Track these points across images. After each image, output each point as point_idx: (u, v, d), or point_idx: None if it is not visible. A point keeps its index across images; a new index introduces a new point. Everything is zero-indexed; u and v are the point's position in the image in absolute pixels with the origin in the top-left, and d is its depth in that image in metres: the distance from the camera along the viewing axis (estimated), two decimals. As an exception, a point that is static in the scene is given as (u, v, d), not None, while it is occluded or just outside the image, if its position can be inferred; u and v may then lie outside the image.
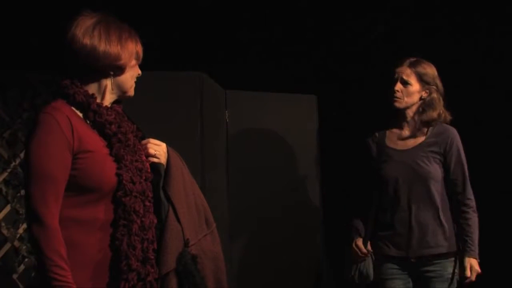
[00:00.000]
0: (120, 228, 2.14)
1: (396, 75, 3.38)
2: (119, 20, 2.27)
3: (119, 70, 2.24)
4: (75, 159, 2.12)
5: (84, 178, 2.13)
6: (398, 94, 3.36)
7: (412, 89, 3.36)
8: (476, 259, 3.31)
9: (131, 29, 2.28)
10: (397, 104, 3.38)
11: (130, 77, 2.28)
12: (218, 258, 2.40)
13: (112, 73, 2.24)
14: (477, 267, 3.31)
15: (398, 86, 3.36)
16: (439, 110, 3.39)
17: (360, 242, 3.43)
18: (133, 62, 2.28)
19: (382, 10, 4.39)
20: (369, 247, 3.42)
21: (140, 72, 2.33)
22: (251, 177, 4.01)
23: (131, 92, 2.32)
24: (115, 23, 2.24)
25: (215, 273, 2.36)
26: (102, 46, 2.18)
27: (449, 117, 3.43)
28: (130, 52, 2.24)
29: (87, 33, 2.18)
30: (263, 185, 4.03)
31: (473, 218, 3.36)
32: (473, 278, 3.31)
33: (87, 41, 2.18)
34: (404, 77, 3.36)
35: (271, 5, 4.39)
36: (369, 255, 3.43)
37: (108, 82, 2.25)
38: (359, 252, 3.42)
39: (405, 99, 3.37)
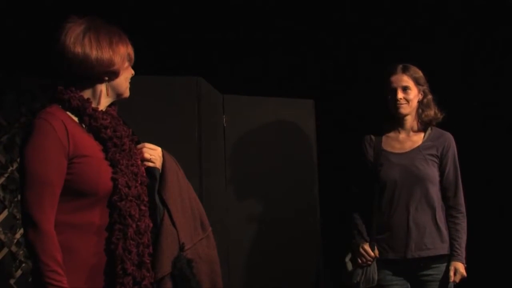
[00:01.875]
0: (115, 233, 2.14)
1: (394, 84, 3.40)
2: (107, 23, 2.26)
3: (114, 74, 2.25)
4: (71, 163, 2.12)
5: (80, 182, 2.13)
6: (402, 101, 3.39)
7: (412, 94, 3.40)
8: (462, 263, 3.34)
9: (120, 32, 2.27)
10: (403, 111, 3.41)
11: (124, 79, 2.29)
12: (214, 261, 2.41)
13: (106, 78, 2.24)
14: (462, 271, 3.34)
15: (400, 94, 3.38)
16: (434, 109, 3.44)
17: (367, 246, 3.40)
18: (126, 64, 2.28)
19: (377, 16, 4.40)
20: (376, 250, 3.40)
21: (133, 72, 2.33)
22: (249, 182, 4.01)
23: (127, 93, 2.32)
24: (104, 28, 2.23)
25: (210, 276, 2.37)
26: (94, 54, 2.18)
27: (441, 115, 3.47)
28: (122, 56, 2.24)
29: (78, 41, 2.18)
30: (261, 190, 4.02)
31: (462, 224, 3.40)
32: (457, 280, 3.34)
33: (78, 49, 2.17)
34: (404, 84, 3.39)
35: (268, 10, 4.39)
36: (375, 258, 3.41)
37: (103, 87, 2.25)
38: (367, 256, 3.38)
39: (409, 104, 3.41)
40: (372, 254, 3.38)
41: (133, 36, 2.33)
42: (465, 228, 3.39)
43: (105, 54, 2.20)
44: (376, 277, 3.38)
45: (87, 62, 2.18)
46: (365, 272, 3.38)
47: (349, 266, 3.44)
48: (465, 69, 4.24)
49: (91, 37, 2.19)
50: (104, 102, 2.27)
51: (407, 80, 3.39)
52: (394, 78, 3.41)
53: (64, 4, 3.70)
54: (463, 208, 3.41)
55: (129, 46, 2.29)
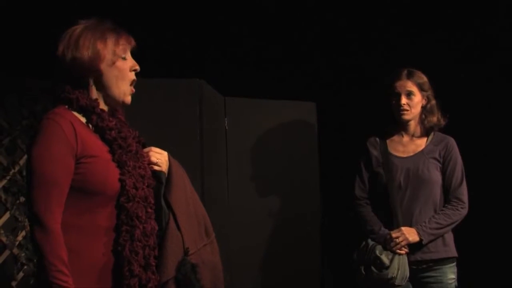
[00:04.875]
0: (122, 234, 2.15)
1: (398, 89, 3.43)
2: (101, 23, 2.27)
3: (94, 72, 2.24)
4: (78, 163, 2.13)
5: (87, 182, 2.13)
6: (406, 107, 3.42)
7: (416, 100, 3.44)
8: (418, 233, 3.30)
9: (108, 29, 2.27)
10: (406, 117, 3.44)
11: (113, 77, 2.26)
12: (217, 268, 2.40)
13: (90, 76, 2.25)
14: (410, 238, 3.29)
15: (404, 100, 3.41)
16: (438, 115, 3.46)
17: (395, 231, 3.34)
18: (110, 60, 2.25)
19: (376, 19, 4.40)
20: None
21: (135, 66, 2.30)
22: (250, 184, 4.00)
23: (122, 97, 2.29)
24: (90, 28, 2.25)
25: (213, 283, 2.36)
26: (69, 54, 2.21)
27: (444, 121, 3.48)
28: (98, 52, 2.22)
29: (60, 43, 2.23)
30: (263, 192, 4.02)
31: (455, 216, 3.37)
32: (403, 243, 3.29)
33: (59, 50, 2.22)
34: (408, 89, 3.42)
35: (270, 13, 4.40)
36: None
37: (91, 87, 2.26)
38: (401, 238, 3.30)
39: (412, 110, 3.44)
40: (405, 233, 3.31)
41: (135, 39, 2.33)
42: (455, 222, 3.37)
43: (78, 53, 2.21)
44: (408, 274, 3.31)
45: (66, 62, 2.21)
46: (401, 267, 3.29)
47: (386, 260, 3.30)
48: (467, 71, 4.24)
49: (71, 38, 2.22)
50: (103, 104, 2.27)
51: (411, 86, 3.42)
52: (398, 84, 3.44)
53: (66, 7, 3.71)
54: (465, 208, 3.40)
55: (117, 42, 2.26)
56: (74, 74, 2.23)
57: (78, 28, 2.25)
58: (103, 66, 2.24)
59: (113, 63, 2.26)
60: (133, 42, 2.32)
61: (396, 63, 3.58)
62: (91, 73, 2.24)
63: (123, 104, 2.31)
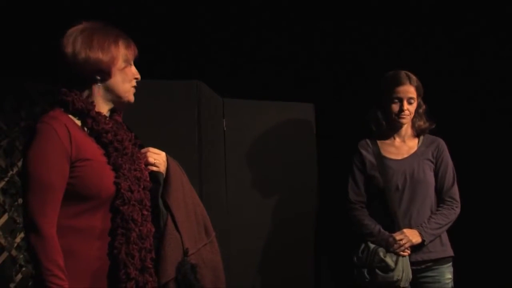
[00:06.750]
0: (118, 237, 2.15)
1: (400, 95, 3.43)
2: (109, 26, 2.28)
3: (105, 74, 2.24)
4: (73, 167, 2.13)
5: (82, 186, 2.13)
6: (407, 113, 3.44)
7: (415, 105, 3.47)
8: (420, 234, 3.33)
9: (120, 34, 2.28)
10: (405, 121, 3.47)
11: (121, 80, 2.27)
12: (218, 268, 2.40)
13: (98, 78, 2.24)
14: (413, 240, 3.31)
15: (406, 106, 3.42)
16: (424, 119, 3.51)
17: (397, 233, 3.36)
18: (121, 65, 2.26)
19: (374, 21, 4.41)
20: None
21: (137, 75, 2.32)
22: (249, 185, 4.00)
23: (128, 97, 2.31)
24: (101, 30, 2.25)
25: (214, 282, 2.36)
26: (82, 53, 2.20)
27: (432, 125, 3.52)
28: (113, 56, 2.23)
29: (69, 42, 2.21)
30: (261, 193, 4.02)
31: (451, 216, 3.41)
32: (407, 245, 3.31)
33: (69, 49, 2.20)
34: (410, 95, 3.43)
35: (268, 15, 4.40)
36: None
37: (96, 88, 2.25)
38: (404, 240, 3.32)
39: (411, 115, 3.47)
40: (408, 235, 3.33)
41: (133, 40, 2.34)
42: (451, 221, 3.40)
43: (93, 53, 2.20)
44: (411, 276, 3.33)
45: (76, 62, 2.20)
46: (405, 269, 3.31)
47: (391, 263, 3.31)
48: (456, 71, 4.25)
49: (83, 38, 2.21)
50: (104, 105, 2.27)
51: (413, 92, 3.45)
52: (401, 89, 3.43)
53: (64, 9, 3.71)
54: (458, 206, 3.44)
55: (129, 48, 2.29)
56: (81, 73, 2.22)
57: (86, 28, 2.23)
58: (114, 69, 2.25)
59: (123, 68, 2.27)
60: (136, 52, 2.34)
61: (395, 64, 3.58)
62: (100, 74, 2.24)
63: (128, 102, 2.32)
